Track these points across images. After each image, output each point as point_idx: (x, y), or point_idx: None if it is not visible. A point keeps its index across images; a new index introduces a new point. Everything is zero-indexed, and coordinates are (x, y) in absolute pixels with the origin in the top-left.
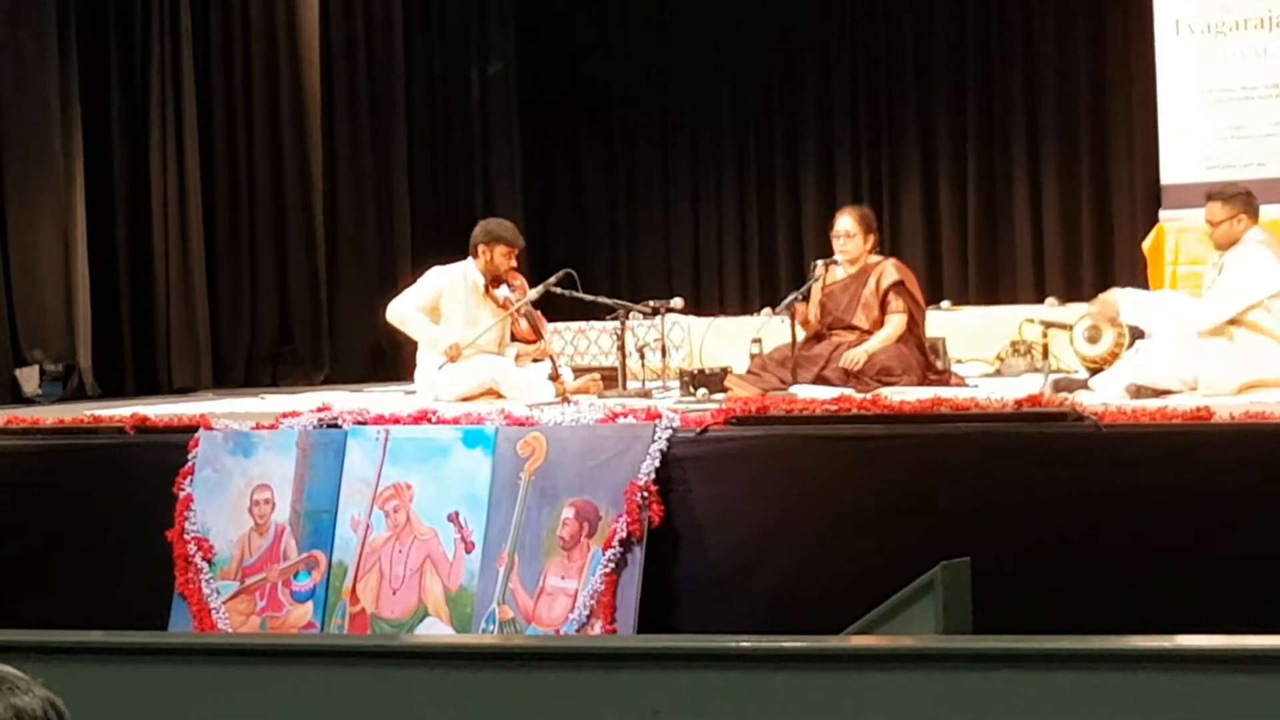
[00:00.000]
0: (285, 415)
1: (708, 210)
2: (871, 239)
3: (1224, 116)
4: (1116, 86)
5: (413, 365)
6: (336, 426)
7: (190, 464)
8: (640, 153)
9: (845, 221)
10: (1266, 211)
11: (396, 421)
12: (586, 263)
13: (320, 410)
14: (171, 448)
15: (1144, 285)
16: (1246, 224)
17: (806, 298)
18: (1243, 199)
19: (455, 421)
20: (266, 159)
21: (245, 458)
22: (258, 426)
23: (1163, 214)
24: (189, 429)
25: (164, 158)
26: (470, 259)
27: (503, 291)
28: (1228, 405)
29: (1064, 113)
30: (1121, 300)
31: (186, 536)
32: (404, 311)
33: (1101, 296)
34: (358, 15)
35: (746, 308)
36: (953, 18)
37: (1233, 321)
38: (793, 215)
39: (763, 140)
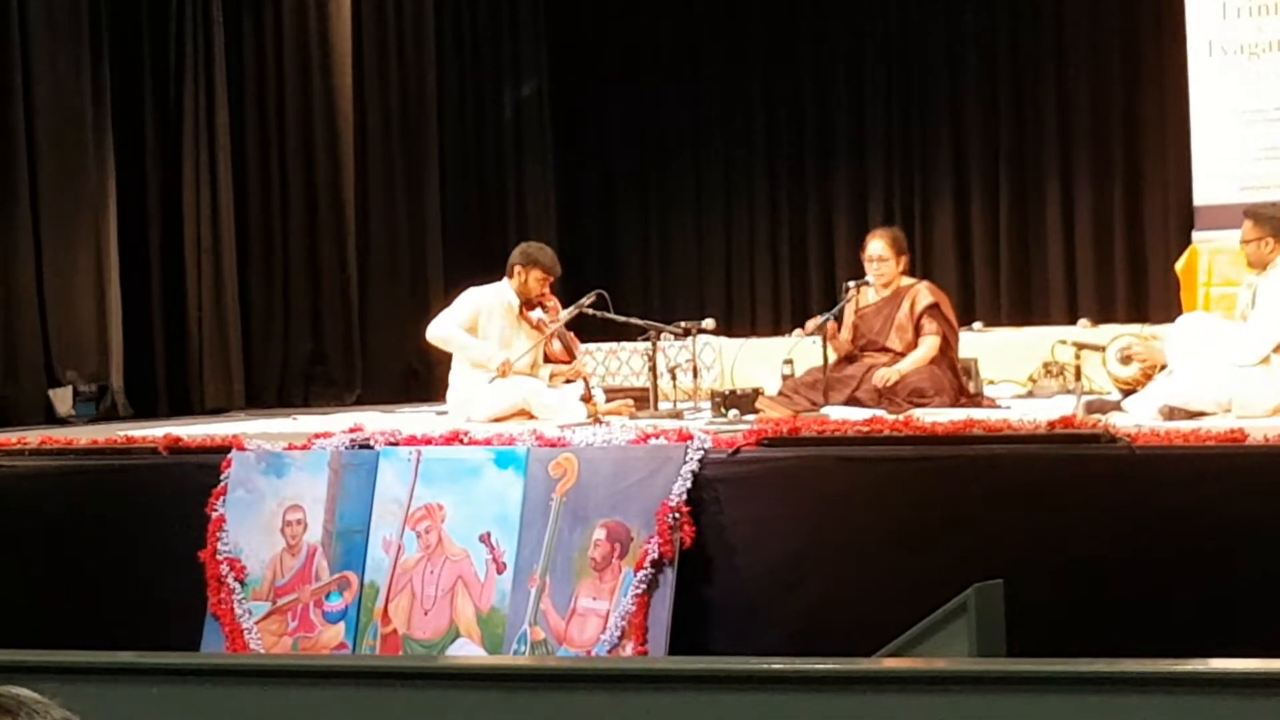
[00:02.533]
0: (317, 436)
1: (740, 231)
2: (904, 261)
3: (1257, 137)
4: (1149, 107)
5: (444, 386)
6: (368, 447)
7: (223, 484)
8: (672, 173)
9: (877, 245)
10: None
11: (428, 442)
12: (619, 284)
13: (352, 431)
14: (204, 468)
15: (1177, 307)
16: (1275, 247)
17: (838, 319)
18: (1277, 222)
19: (487, 442)
20: (299, 180)
21: (278, 478)
22: (290, 447)
23: (1196, 235)
24: (222, 449)
25: (197, 179)
26: (506, 280)
27: (536, 313)
28: (1262, 427)
29: (1097, 134)
30: (1167, 349)
31: (219, 557)
32: (448, 331)
33: (1148, 344)
34: (390, 37)
35: (778, 329)
36: (986, 39)
37: None
38: (825, 236)
39: (795, 161)
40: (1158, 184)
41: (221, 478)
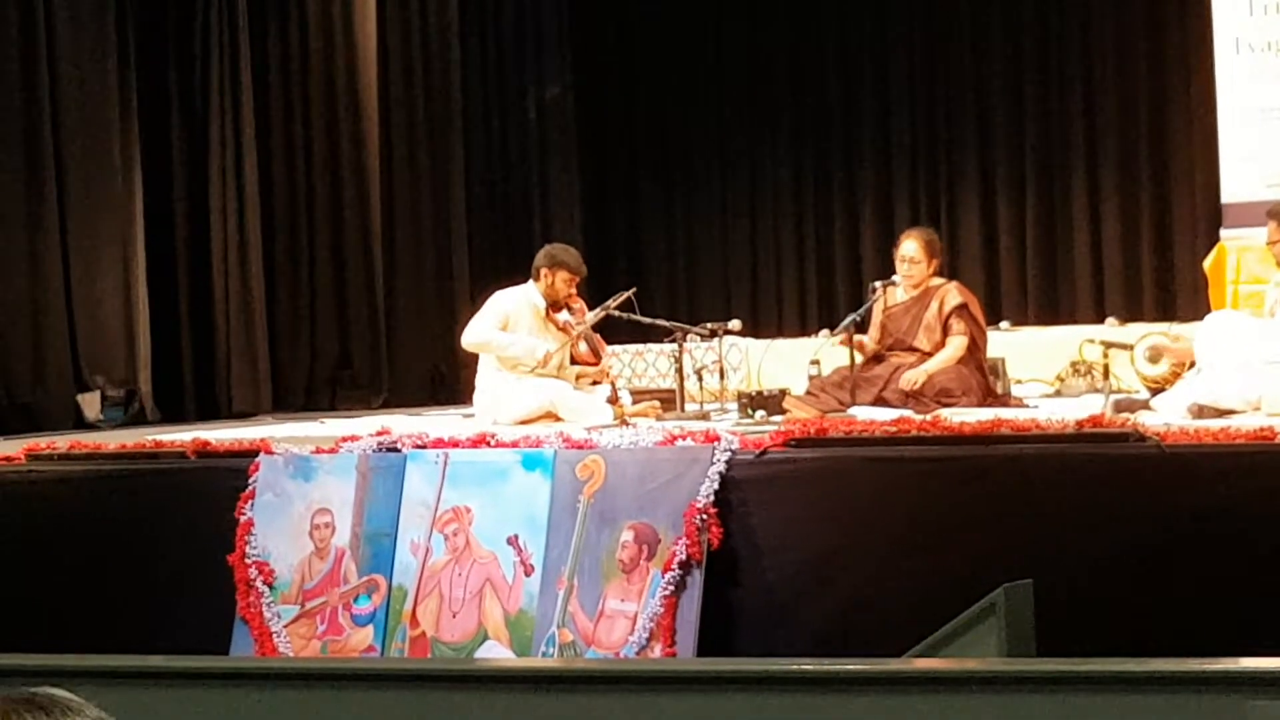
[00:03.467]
0: (345, 439)
1: (765, 232)
2: (935, 264)
3: None
4: (1176, 104)
5: (471, 389)
6: (396, 450)
7: (251, 488)
8: (698, 174)
9: (911, 245)
10: None
11: (455, 445)
12: (644, 285)
13: (379, 434)
14: (232, 472)
15: (1205, 305)
16: None
17: (865, 320)
18: None
19: (514, 445)
20: (325, 184)
21: (305, 482)
22: (318, 450)
23: (1224, 233)
24: (249, 453)
25: (223, 184)
26: (532, 282)
27: (563, 315)
28: None
29: (1123, 131)
30: (1196, 347)
31: (247, 560)
32: (486, 335)
33: (1176, 342)
34: (414, 42)
35: (805, 329)
36: (1010, 36)
37: None
38: (851, 236)
39: (820, 162)
40: (1185, 181)
41: (249, 481)
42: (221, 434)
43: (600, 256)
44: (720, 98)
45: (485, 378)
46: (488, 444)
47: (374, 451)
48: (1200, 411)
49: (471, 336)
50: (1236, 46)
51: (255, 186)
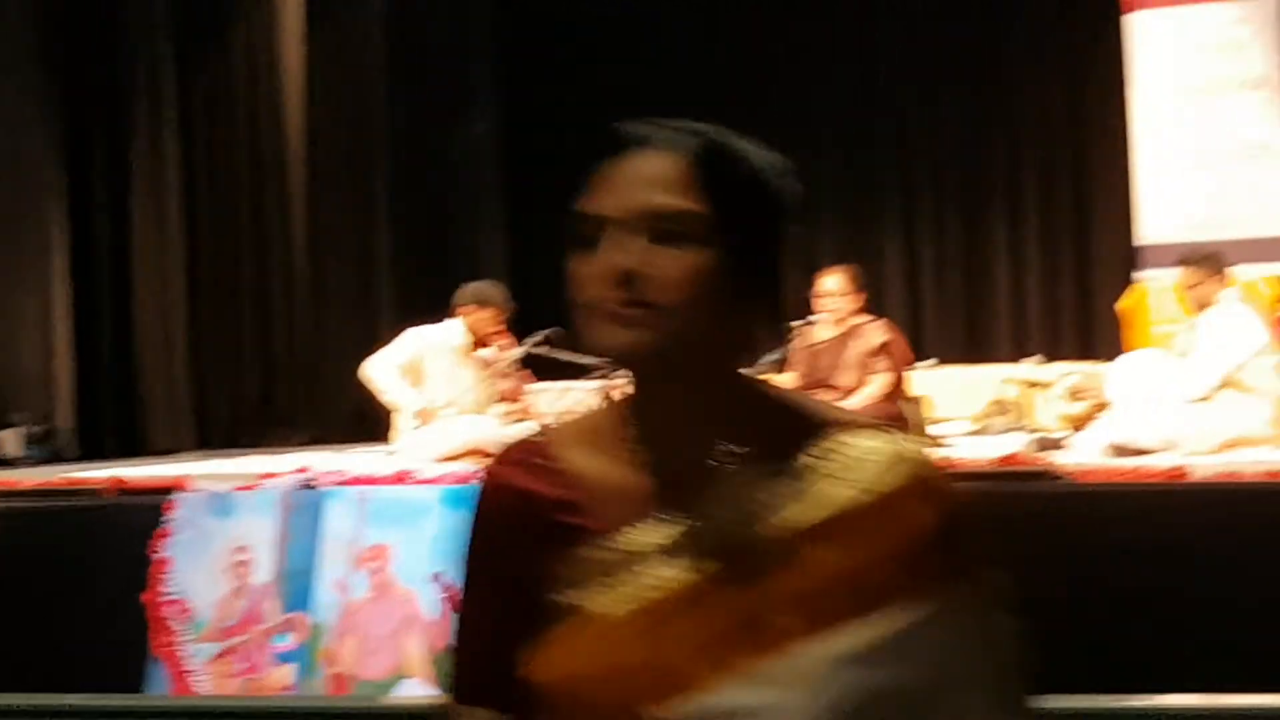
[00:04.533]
0: (265, 476)
1: None
2: (860, 297)
3: (1201, 177)
4: (1096, 147)
5: (395, 426)
6: (316, 487)
7: (168, 526)
8: None
9: (834, 281)
10: (1245, 271)
11: (376, 482)
12: (571, 323)
13: (300, 471)
14: (150, 509)
15: (1121, 344)
16: (1217, 286)
17: (784, 359)
18: (1211, 262)
19: (436, 482)
20: (249, 220)
21: (225, 519)
22: (238, 488)
23: (1141, 274)
24: (168, 490)
25: (146, 218)
26: (456, 318)
27: (487, 351)
28: (1204, 464)
29: (1044, 173)
30: (1106, 383)
31: (166, 598)
32: (374, 371)
33: (1094, 382)
34: (340, 77)
35: None
36: (933, 74)
37: None
38: None
39: None
40: (1104, 223)
41: (168, 519)
42: (141, 471)
43: (526, 292)
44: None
45: (407, 415)
46: (409, 481)
47: (295, 489)
48: (1118, 451)
49: (366, 370)
50: (1156, 90)
51: (179, 222)
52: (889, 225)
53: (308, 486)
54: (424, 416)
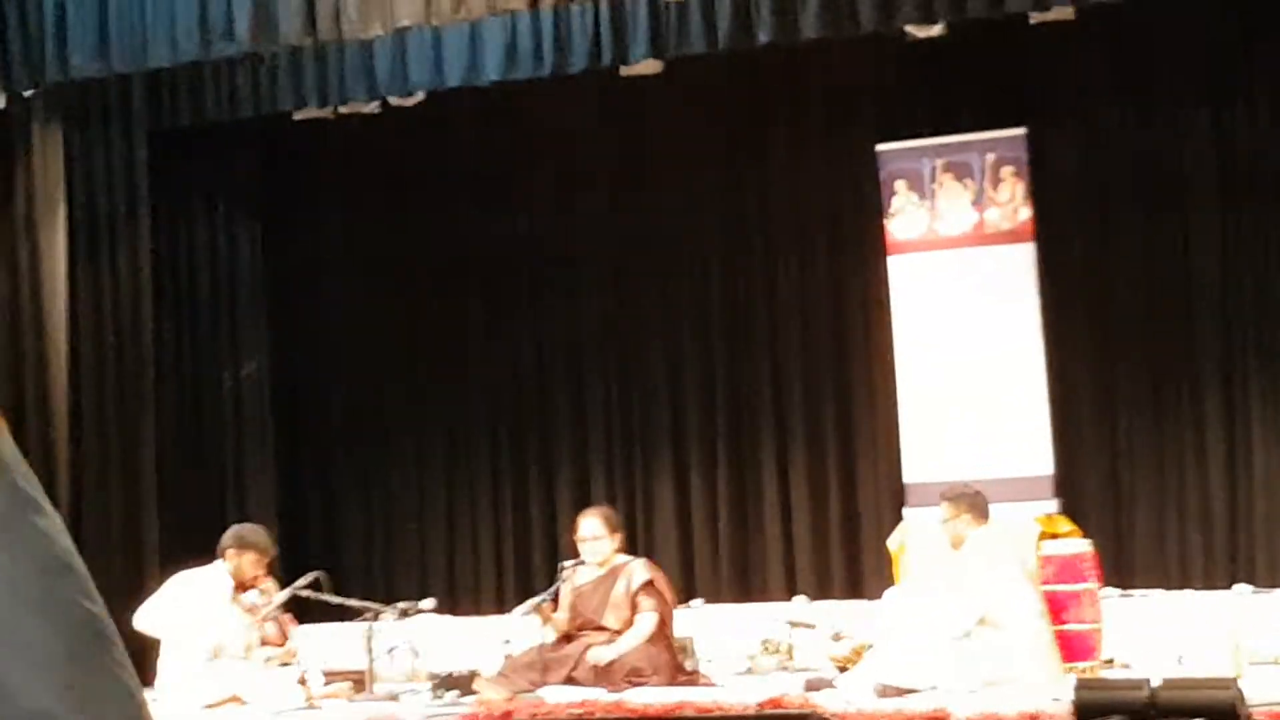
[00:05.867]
0: None
1: (462, 510)
2: (618, 538)
3: (963, 422)
4: (861, 390)
5: (157, 670)
6: None
7: None
8: (394, 452)
9: (590, 524)
10: (1004, 510)
11: None
12: (341, 562)
13: None
14: None
15: (890, 581)
16: (973, 523)
17: (555, 599)
18: (968, 499)
19: None
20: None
21: None
22: None
23: (906, 511)
24: None
25: None
26: (220, 561)
27: (250, 596)
28: (965, 705)
29: (811, 415)
30: (868, 623)
31: None
32: (154, 620)
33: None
34: (106, 311)
35: (503, 607)
36: (699, 320)
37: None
38: (548, 514)
39: (517, 439)
40: (870, 463)
41: None
42: None
43: (295, 535)
44: (416, 377)
45: (168, 661)
46: None
47: None
48: (884, 690)
49: (141, 620)
50: (914, 339)
51: None
52: (661, 465)
53: None
54: (216, 652)
